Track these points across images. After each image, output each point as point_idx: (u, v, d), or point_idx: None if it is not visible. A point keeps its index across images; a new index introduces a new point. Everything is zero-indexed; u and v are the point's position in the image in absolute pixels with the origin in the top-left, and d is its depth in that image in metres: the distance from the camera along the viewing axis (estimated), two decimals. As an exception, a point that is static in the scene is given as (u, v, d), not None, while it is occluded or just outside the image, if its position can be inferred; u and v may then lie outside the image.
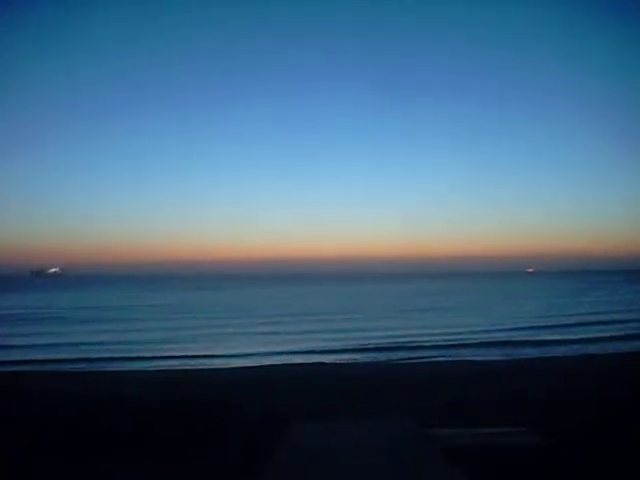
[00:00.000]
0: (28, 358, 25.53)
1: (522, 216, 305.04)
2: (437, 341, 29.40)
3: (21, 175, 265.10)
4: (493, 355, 24.41)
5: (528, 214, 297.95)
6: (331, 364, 22.01)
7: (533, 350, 25.78)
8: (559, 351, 25.20)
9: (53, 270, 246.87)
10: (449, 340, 29.59)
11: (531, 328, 35.07)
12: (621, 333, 31.51)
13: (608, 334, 31.00)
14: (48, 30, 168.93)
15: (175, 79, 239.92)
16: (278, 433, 8.25)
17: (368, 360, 23.71)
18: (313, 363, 22.35)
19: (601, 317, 41.20)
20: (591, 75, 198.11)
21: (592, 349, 25.60)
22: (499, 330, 33.97)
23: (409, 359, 23.78)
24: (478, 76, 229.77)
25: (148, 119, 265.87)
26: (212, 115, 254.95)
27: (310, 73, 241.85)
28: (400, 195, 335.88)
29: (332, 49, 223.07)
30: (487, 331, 33.49)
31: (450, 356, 24.34)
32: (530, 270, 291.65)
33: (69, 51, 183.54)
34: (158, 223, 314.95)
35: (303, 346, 28.71)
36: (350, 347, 27.93)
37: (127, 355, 26.67)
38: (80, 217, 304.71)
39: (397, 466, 6.75)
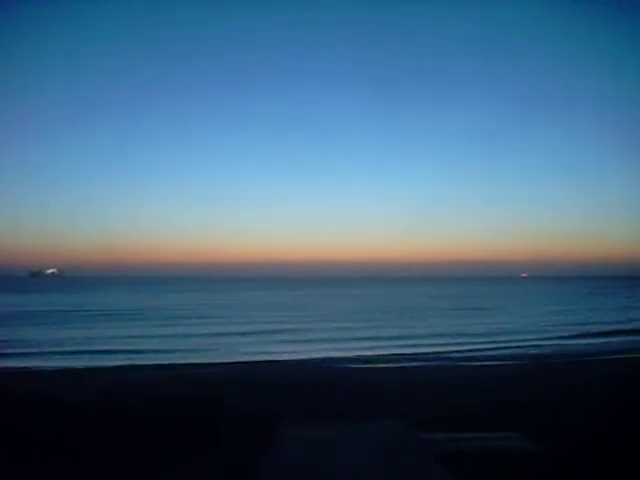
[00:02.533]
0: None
1: (516, 221, 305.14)
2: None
3: (19, 175, 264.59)
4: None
5: (522, 219, 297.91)
6: (330, 367, 21.87)
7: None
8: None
9: (50, 271, 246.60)
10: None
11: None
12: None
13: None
14: (47, 29, 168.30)
15: (173, 76, 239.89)
16: (270, 435, 8.21)
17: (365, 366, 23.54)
18: (309, 364, 22.26)
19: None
20: (590, 76, 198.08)
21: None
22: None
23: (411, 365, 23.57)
24: (476, 78, 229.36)
25: (146, 118, 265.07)
26: (213, 114, 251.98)
27: (310, 71, 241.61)
28: (393, 200, 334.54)
29: (332, 45, 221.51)
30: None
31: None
32: (524, 275, 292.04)
33: (67, 49, 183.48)
34: (158, 224, 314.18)
35: (298, 349, 28.64)
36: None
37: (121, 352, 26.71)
38: (78, 218, 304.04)
39: (389, 470, 6.71)
